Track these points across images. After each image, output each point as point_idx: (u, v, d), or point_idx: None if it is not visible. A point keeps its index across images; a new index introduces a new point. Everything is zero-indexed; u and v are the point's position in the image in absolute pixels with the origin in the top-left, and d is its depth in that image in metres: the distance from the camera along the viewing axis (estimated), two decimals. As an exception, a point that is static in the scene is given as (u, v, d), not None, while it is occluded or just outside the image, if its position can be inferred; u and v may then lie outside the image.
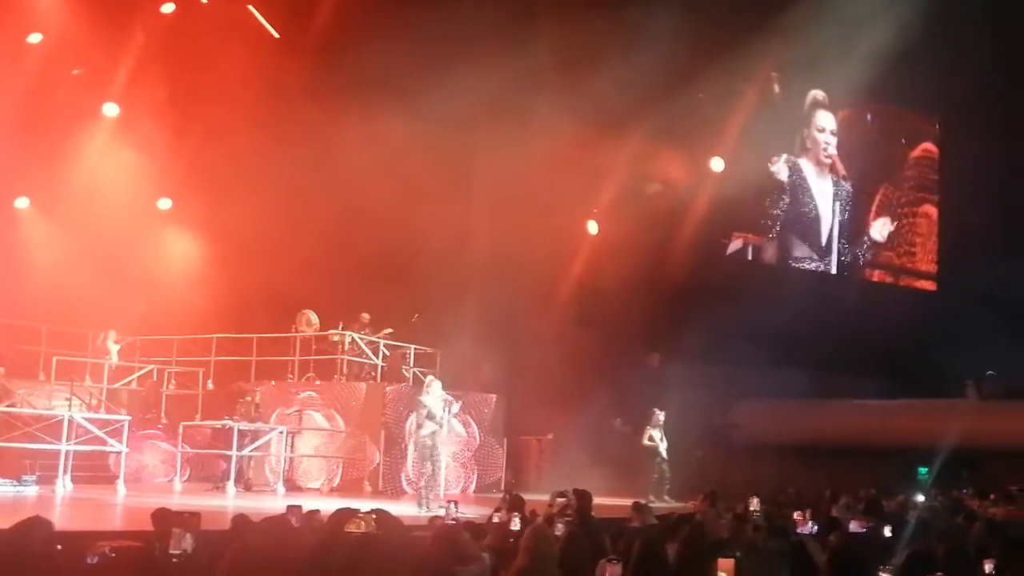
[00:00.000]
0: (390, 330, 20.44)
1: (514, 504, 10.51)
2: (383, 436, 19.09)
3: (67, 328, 20.13)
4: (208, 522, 8.92)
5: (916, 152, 30.39)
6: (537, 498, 12.59)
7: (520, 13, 20.94)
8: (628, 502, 12.41)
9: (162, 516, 7.72)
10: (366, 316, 20.54)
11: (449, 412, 15.99)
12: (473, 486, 20.55)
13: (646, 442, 20.31)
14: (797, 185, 28.00)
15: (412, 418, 16.23)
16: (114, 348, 20.41)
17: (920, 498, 16.81)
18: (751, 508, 12.01)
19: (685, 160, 24.74)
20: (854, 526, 10.33)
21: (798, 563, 7.85)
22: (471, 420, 20.34)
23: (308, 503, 9.77)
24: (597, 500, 11.11)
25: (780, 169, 27.60)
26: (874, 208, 29.71)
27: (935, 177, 30.45)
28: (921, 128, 30.50)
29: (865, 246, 29.51)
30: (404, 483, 18.81)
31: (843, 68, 24.88)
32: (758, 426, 23.60)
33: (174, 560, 6.72)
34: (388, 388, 19.35)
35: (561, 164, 21.68)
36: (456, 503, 10.57)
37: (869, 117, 29.23)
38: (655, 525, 9.36)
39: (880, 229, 29.72)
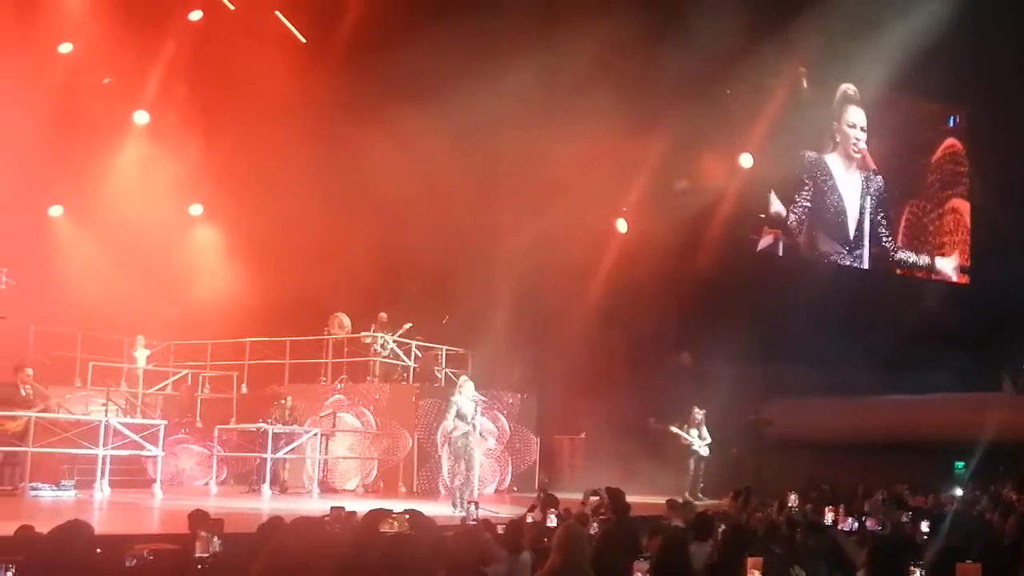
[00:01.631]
0: (409, 325, 20.51)
1: (548, 503, 10.52)
2: (416, 437, 19.18)
3: (102, 334, 20.31)
4: (242, 524, 8.99)
5: (946, 145, 30.18)
6: (571, 497, 12.60)
7: (547, 13, 20.95)
8: (662, 500, 12.41)
9: (198, 518, 7.79)
10: (384, 315, 20.64)
11: (478, 412, 16.04)
12: (509, 478, 20.65)
13: (684, 441, 20.29)
14: (826, 180, 27.86)
15: (445, 420, 16.21)
16: (142, 354, 20.57)
17: (958, 492, 16.74)
18: (789, 504, 11.97)
19: (714, 157, 24.68)
20: (871, 524, 10.27)
21: (835, 559, 7.84)
22: (499, 414, 20.43)
23: (344, 504, 9.81)
24: (631, 498, 11.10)
25: (810, 164, 27.50)
26: (905, 202, 29.54)
27: (966, 170, 30.24)
28: (950, 121, 30.28)
29: (897, 240, 29.32)
30: (440, 484, 18.87)
31: (871, 62, 24.75)
32: (791, 422, 23.47)
33: (199, 567, 6.78)
34: (422, 402, 19.40)
35: (590, 163, 21.67)
36: (477, 504, 10.58)
37: (898, 111, 29.01)
38: (683, 523, 9.34)
39: (911, 222, 29.56)
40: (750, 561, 6.62)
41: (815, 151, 27.65)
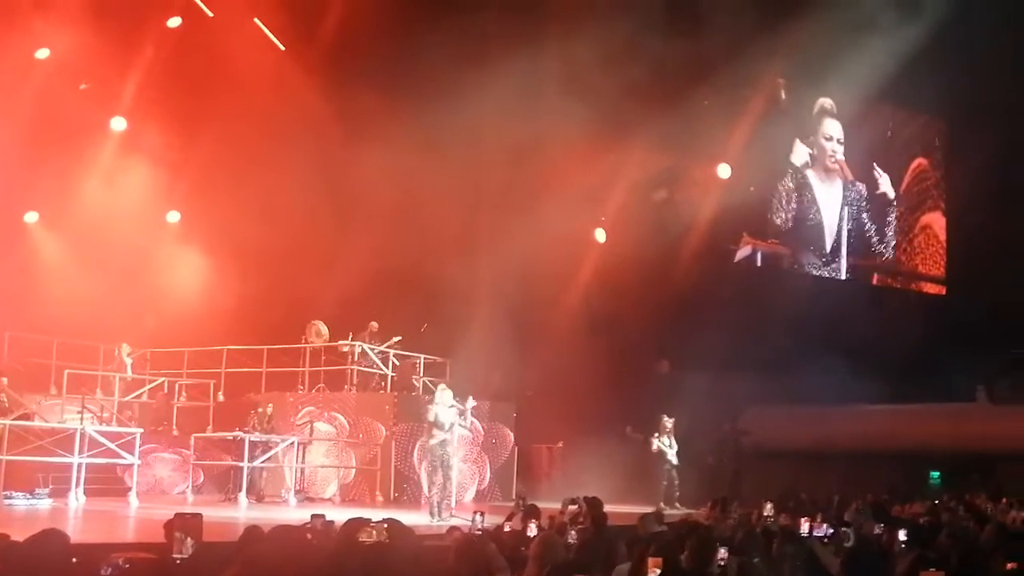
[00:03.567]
0: (398, 338, 20.50)
1: (530, 512, 10.48)
2: (394, 446, 19.15)
3: (78, 341, 20.18)
4: (219, 533, 8.94)
5: (914, 168, 30.38)
6: (548, 506, 12.59)
7: (526, 23, 20.97)
8: (638, 509, 12.41)
9: (174, 522, 7.71)
10: (374, 325, 20.61)
11: (462, 417, 16.02)
12: (488, 476, 20.70)
13: (654, 449, 20.27)
14: (805, 191, 27.99)
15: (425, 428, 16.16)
16: (128, 361, 20.48)
17: (935, 502, 16.81)
18: (764, 513, 11.99)
19: (692, 167, 24.75)
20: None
21: (811, 567, 7.87)
22: (472, 418, 20.48)
23: (322, 513, 9.77)
24: (608, 507, 11.11)
25: (788, 175, 27.64)
26: (882, 213, 29.71)
27: (936, 182, 30.46)
28: (928, 133, 30.49)
29: (874, 251, 29.49)
30: (422, 496, 18.82)
31: (849, 74, 24.88)
32: (768, 432, 23.55)
33: (177, 562, 6.73)
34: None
35: (568, 173, 21.70)
36: (483, 513, 10.51)
37: (875, 123, 29.17)
38: (663, 532, 9.34)
39: (888, 233, 29.75)
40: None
41: (797, 165, 27.80)
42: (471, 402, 16.62)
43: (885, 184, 29.71)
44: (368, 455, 19.38)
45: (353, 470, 19.53)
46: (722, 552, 7.63)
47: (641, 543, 8.20)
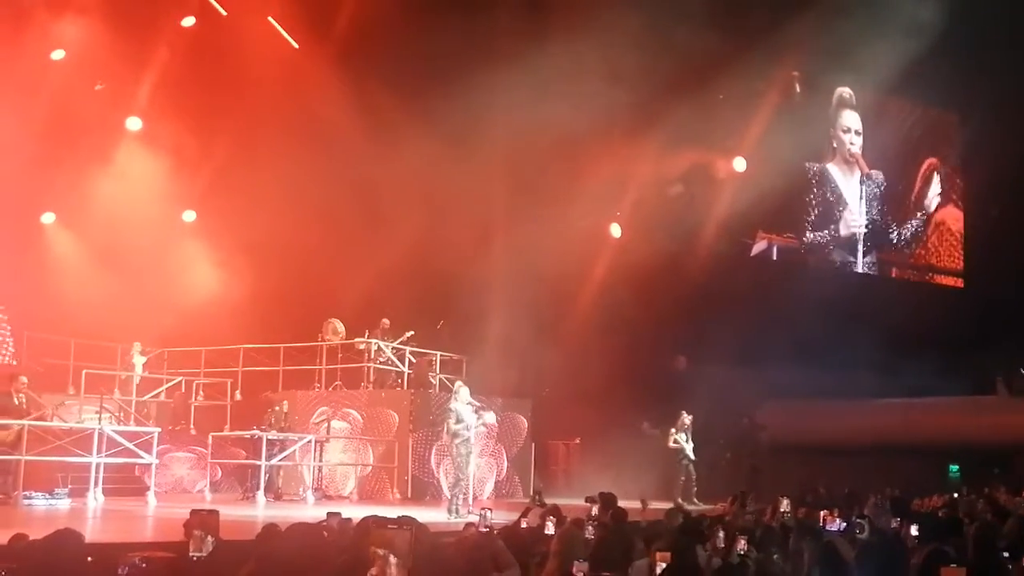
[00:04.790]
0: (411, 332, 20.50)
1: (549, 513, 10.44)
2: (411, 443, 19.15)
3: (95, 341, 20.25)
4: (237, 531, 8.95)
5: (939, 151, 30.24)
6: (565, 502, 12.57)
7: (540, 20, 20.94)
8: (656, 506, 12.39)
9: (192, 519, 7.73)
10: (386, 321, 20.62)
11: (479, 419, 16.01)
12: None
13: (671, 444, 20.25)
14: (822, 184, 27.88)
15: (445, 426, 16.15)
16: (139, 361, 20.51)
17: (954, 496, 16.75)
18: (781, 509, 11.95)
19: (707, 161, 24.68)
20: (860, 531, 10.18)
21: (828, 561, 7.84)
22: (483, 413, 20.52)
23: (339, 511, 9.77)
24: (627, 504, 11.08)
25: (804, 168, 27.53)
26: (900, 205, 29.58)
27: (959, 175, 30.32)
28: (944, 127, 30.34)
29: (892, 243, 29.36)
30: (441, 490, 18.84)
31: (865, 69, 24.79)
32: (786, 427, 23.48)
33: (194, 559, 6.75)
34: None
35: (583, 168, 21.66)
36: (491, 510, 10.50)
37: (891, 117, 29.05)
38: (680, 527, 9.32)
39: (906, 226, 29.62)
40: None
41: (813, 159, 27.68)
42: (490, 416, 16.68)
43: (902, 177, 29.59)
44: (387, 453, 19.36)
45: (371, 467, 19.53)
46: (741, 543, 7.65)
47: (660, 538, 8.20)
